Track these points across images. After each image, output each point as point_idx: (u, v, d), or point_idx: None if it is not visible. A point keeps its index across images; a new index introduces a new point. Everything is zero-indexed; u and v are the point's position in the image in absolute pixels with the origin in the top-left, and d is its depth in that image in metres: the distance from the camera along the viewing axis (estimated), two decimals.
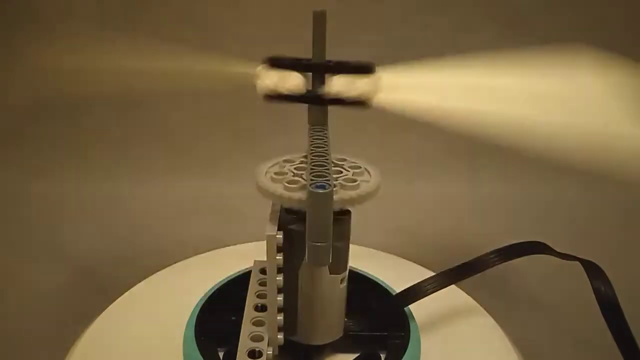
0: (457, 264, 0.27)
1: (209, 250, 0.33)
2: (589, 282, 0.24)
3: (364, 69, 0.22)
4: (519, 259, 0.27)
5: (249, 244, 0.33)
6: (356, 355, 0.25)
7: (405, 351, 0.24)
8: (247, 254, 0.29)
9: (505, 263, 0.27)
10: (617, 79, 0.21)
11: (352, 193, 0.22)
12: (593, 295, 0.24)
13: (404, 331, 0.25)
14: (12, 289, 0.34)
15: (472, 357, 0.26)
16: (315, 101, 0.23)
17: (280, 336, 0.23)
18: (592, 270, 0.24)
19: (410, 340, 0.24)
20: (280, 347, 0.24)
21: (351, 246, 0.24)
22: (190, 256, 0.33)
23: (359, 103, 0.22)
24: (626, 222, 0.48)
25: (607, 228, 0.46)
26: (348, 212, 0.23)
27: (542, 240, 0.27)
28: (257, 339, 0.23)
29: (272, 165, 0.24)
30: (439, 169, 0.55)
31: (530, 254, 0.27)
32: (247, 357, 0.22)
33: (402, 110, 0.21)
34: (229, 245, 0.34)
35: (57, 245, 0.40)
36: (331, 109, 0.23)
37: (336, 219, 0.22)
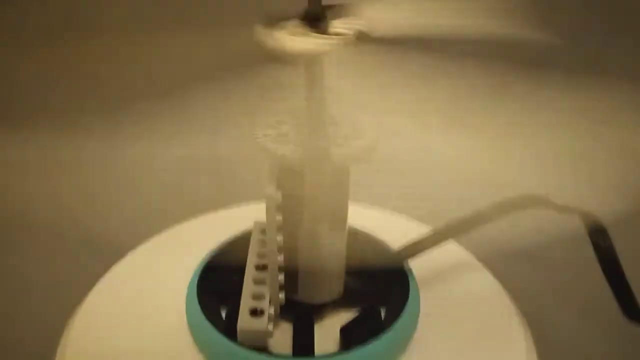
0: (455, 219, 0.27)
1: (209, 212, 0.33)
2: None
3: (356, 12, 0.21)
4: (519, 214, 0.27)
5: (250, 205, 0.33)
6: (357, 311, 0.25)
7: (404, 306, 0.24)
8: (248, 215, 0.28)
9: (505, 217, 0.27)
10: None
11: (350, 149, 0.22)
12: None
13: (403, 287, 0.25)
14: (10, 255, 0.34)
15: (470, 312, 0.26)
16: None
17: (282, 295, 0.24)
18: (592, 223, 0.24)
19: (410, 296, 0.25)
20: (282, 306, 0.24)
21: (349, 204, 0.24)
22: (190, 218, 0.33)
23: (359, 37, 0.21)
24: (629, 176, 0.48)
25: (609, 181, 0.46)
26: (347, 169, 0.23)
27: (543, 194, 0.27)
28: (258, 297, 0.23)
29: (269, 123, 0.24)
30: (438, 125, 0.54)
31: (530, 208, 0.27)
32: (249, 316, 0.22)
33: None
34: (229, 207, 0.34)
35: (53, 208, 0.40)
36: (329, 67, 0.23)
37: (334, 176, 0.21)
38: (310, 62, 0.20)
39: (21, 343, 0.28)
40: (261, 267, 0.25)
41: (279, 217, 0.22)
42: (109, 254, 0.29)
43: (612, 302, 0.24)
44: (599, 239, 0.24)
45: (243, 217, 0.29)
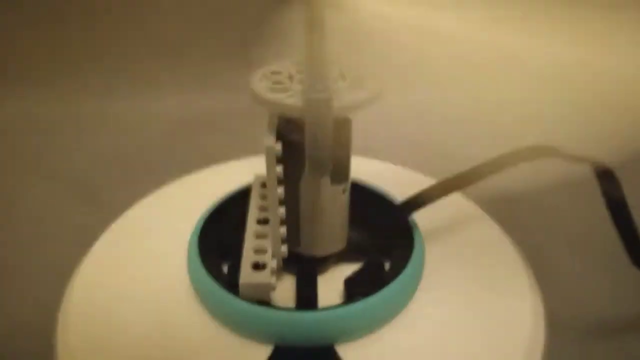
0: (461, 171, 0.26)
1: (208, 167, 0.33)
2: (598, 186, 0.24)
3: None
4: (525, 164, 0.26)
5: (249, 158, 0.33)
6: (361, 264, 0.25)
7: (409, 259, 0.24)
8: (248, 169, 0.28)
9: (512, 168, 0.26)
10: None
11: (353, 99, 0.21)
12: (602, 201, 0.24)
13: (407, 240, 0.25)
14: (8, 213, 0.34)
15: (477, 264, 0.26)
16: None
17: (284, 248, 0.23)
18: (603, 172, 0.24)
19: (414, 249, 0.24)
20: (284, 259, 0.24)
21: (352, 157, 0.23)
22: (190, 173, 0.32)
23: None
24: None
25: (618, 131, 0.45)
26: (348, 119, 0.22)
27: (552, 144, 0.26)
28: (260, 251, 0.23)
29: (268, 72, 0.23)
30: (439, 76, 0.53)
31: (537, 158, 0.26)
32: (251, 270, 0.22)
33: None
34: (229, 161, 0.33)
35: (51, 166, 0.39)
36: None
37: (336, 127, 0.21)
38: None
39: (26, 294, 0.28)
40: (262, 221, 0.24)
41: (279, 169, 0.21)
42: (109, 209, 0.29)
43: (619, 249, 0.24)
44: (609, 186, 0.23)
45: (243, 171, 0.29)
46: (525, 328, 0.22)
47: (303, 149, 0.21)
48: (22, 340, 0.25)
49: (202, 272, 0.23)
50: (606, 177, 0.24)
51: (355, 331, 0.22)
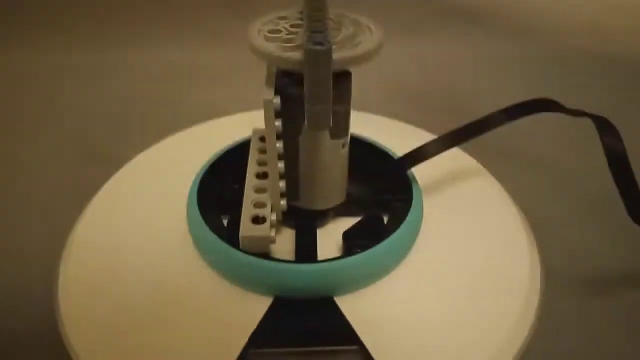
0: (461, 126, 0.26)
1: (206, 121, 0.32)
2: (598, 141, 0.24)
3: None
4: (525, 119, 0.26)
5: (248, 112, 0.32)
6: (359, 218, 0.25)
7: (408, 213, 0.24)
8: (246, 123, 0.28)
9: (511, 124, 0.26)
10: None
11: (353, 52, 0.21)
12: (601, 157, 0.24)
13: (407, 194, 0.25)
14: (9, 168, 0.34)
15: (475, 219, 0.26)
16: None
17: (283, 202, 0.23)
18: (603, 125, 0.24)
19: (413, 203, 0.24)
20: (284, 213, 0.24)
21: (352, 112, 0.23)
22: (188, 127, 0.32)
23: None
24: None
25: (614, 87, 0.45)
26: (349, 73, 0.22)
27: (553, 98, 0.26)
28: (260, 205, 0.23)
29: (266, 24, 0.23)
30: (441, 29, 0.52)
31: (537, 112, 0.26)
32: (251, 224, 0.22)
33: None
34: (228, 115, 0.33)
35: (51, 120, 0.39)
36: None
37: (336, 80, 0.20)
38: None
39: (27, 247, 0.28)
40: (262, 175, 0.24)
41: (278, 123, 0.21)
42: (108, 163, 0.29)
43: (617, 204, 0.24)
44: (610, 139, 0.23)
45: (242, 125, 0.28)
46: (523, 280, 0.23)
47: (302, 103, 0.20)
48: (23, 290, 0.26)
49: (202, 225, 0.23)
50: (607, 130, 0.23)
51: (354, 283, 0.22)
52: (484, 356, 0.20)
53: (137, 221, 0.25)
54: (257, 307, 0.21)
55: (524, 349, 0.21)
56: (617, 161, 0.23)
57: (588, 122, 0.25)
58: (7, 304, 0.25)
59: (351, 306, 0.21)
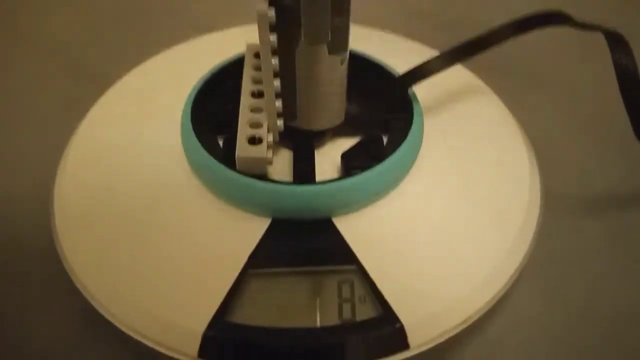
0: (464, 41, 0.25)
1: (196, 37, 0.31)
2: (605, 60, 0.23)
3: None
4: (531, 34, 0.25)
5: (240, 27, 0.31)
6: (358, 138, 0.24)
7: (407, 133, 0.23)
8: (239, 38, 0.26)
9: (517, 39, 0.25)
10: None
11: None
12: (609, 77, 0.23)
13: (407, 113, 0.24)
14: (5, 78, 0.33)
15: (476, 138, 0.25)
16: None
17: (280, 122, 0.23)
18: (616, 41, 0.22)
19: (414, 122, 0.24)
20: (281, 133, 0.23)
21: (351, 26, 0.22)
22: (177, 44, 0.30)
23: None
24: None
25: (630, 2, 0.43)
26: None
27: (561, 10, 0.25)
28: (256, 125, 0.22)
29: None
30: None
31: (545, 26, 0.24)
32: (247, 144, 0.21)
33: None
34: (221, 29, 0.31)
35: (42, 38, 0.37)
36: None
37: None
38: None
39: (22, 170, 0.28)
40: (257, 94, 0.24)
41: (273, 38, 0.20)
42: (98, 81, 0.28)
43: (622, 126, 0.24)
44: (621, 54, 0.22)
45: (235, 40, 0.27)
46: (522, 201, 0.23)
47: (299, 14, 0.19)
48: (20, 212, 0.26)
49: (197, 146, 0.22)
50: (619, 46, 0.22)
51: (352, 204, 0.22)
52: (480, 275, 0.20)
53: (130, 142, 0.25)
54: (255, 228, 0.21)
55: (521, 268, 0.21)
56: (627, 79, 0.22)
57: (597, 39, 0.23)
58: (1, 216, 0.25)
59: (349, 226, 0.21)
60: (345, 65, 0.23)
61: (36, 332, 0.22)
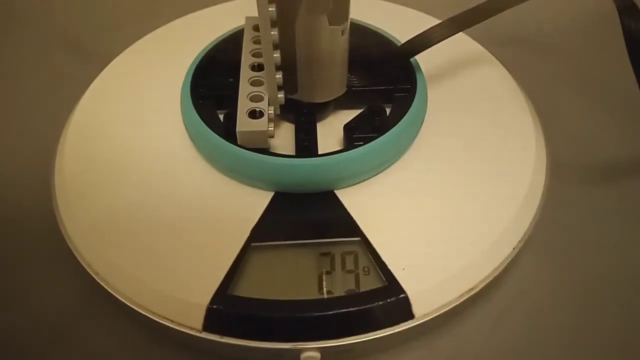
0: (468, 9, 0.24)
1: (195, 11, 0.30)
2: (613, 28, 0.22)
3: None
4: (536, 1, 0.24)
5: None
6: (360, 110, 0.24)
7: (411, 104, 0.23)
8: (238, 11, 0.26)
9: (521, 6, 0.24)
10: None
11: None
12: (613, 44, 0.22)
13: (410, 83, 0.24)
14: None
15: (481, 107, 0.25)
16: None
17: (281, 95, 0.22)
18: (626, 6, 0.22)
19: (417, 92, 0.23)
20: (282, 106, 0.23)
21: None
22: (176, 18, 0.30)
23: None
24: None
25: None
26: None
27: None
28: (256, 99, 0.22)
29: None
30: None
31: None
32: (247, 118, 0.21)
33: None
34: (216, 4, 0.31)
35: (41, 15, 0.37)
36: None
37: None
38: None
39: (22, 146, 0.28)
40: (257, 67, 0.23)
41: (272, 9, 0.20)
42: (96, 58, 0.28)
43: (631, 90, 0.23)
44: (631, 21, 0.22)
45: (233, 13, 0.27)
46: (527, 169, 0.22)
47: None
48: (21, 189, 0.26)
49: (198, 121, 0.22)
50: (628, 12, 0.22)
51: (355, 176, 0.22)
52: (485, 244, 0.20)
53: (130, 116, 0.24)
54: (258, 201, 0.21)
55: (526, 237, 0.21)
56: (636, 43, 0.22)
57: (603, 4, 0.23)
58: (3, 194, 0.26)
59: (352, 199, 0.21)
60: (346, 36, 0.22)
61: (43, 309, 0.22)
